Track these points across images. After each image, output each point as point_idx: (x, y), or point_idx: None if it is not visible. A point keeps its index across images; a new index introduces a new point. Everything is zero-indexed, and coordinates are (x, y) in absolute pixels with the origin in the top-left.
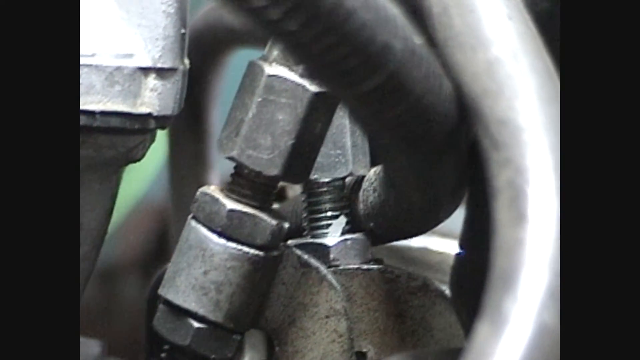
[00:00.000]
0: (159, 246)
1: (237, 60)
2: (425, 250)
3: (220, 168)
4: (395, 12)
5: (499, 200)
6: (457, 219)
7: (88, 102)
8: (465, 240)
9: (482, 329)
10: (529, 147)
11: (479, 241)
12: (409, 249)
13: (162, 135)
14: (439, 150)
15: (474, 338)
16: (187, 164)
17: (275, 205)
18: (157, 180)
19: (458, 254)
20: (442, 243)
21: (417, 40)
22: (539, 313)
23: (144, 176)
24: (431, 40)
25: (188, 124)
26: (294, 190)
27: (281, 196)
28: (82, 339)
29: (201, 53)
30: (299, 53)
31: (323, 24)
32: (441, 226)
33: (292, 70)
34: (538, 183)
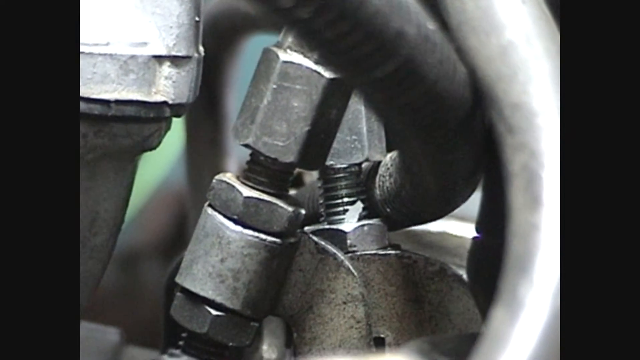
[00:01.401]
0: (179, 231)
1: (253, 46)
2: (443, 235)
3: (237, 154)
4: None
5: (514, 184)
6: (476, 202)
7: (103, 91)
8: (482, 224)
9: (498, 314)
10: (543, 131)
11: (495, 224)
12: (427, 233)
13: (181, 120)
14: (453, 136)
15: (490, 323)
16: (204, 151)
17: (292, 192)
18: (176, 165)
19: (475, 238)
20: (460, 227)
21: (431, 25)
22: (555, 298)
23: (163, 161)
24: (445, 24)
25: (204, 110)
26: (311, 176)
27: (298, 182)
28: (101, 327)
29: (217, 39)
30: (312, 40)
31: (336, 11)
32: (460, 209)
33: (307, 57)
34: (553, 167)
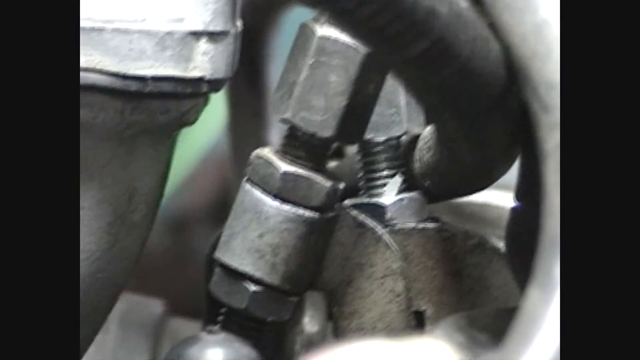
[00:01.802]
0: (226, 198)
1: (294, 18)
2: (485, 206)
3: (279, 126)
4: None
5: (549, 163)
6: None
7: (139, 67)
8: (521, 193)
9: (532, 295)
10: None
11: (534, 193)
12: (468, 204)
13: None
14: (488, 113)
15: (525, 303)
16: (247, 122)
17: (333, 164)
18: (225, 131)
19: (514, 208)
20: (504, 197)
21: (463, 3)
22: None
23: (212, 127)
24: (477, 1)
25: (247, 82)
26: (353, 148)
27: (338, 154)
28: (143, 299)
29: (257, 12)
30: (344, 20)
31: None
32: (504, 179)
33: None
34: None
